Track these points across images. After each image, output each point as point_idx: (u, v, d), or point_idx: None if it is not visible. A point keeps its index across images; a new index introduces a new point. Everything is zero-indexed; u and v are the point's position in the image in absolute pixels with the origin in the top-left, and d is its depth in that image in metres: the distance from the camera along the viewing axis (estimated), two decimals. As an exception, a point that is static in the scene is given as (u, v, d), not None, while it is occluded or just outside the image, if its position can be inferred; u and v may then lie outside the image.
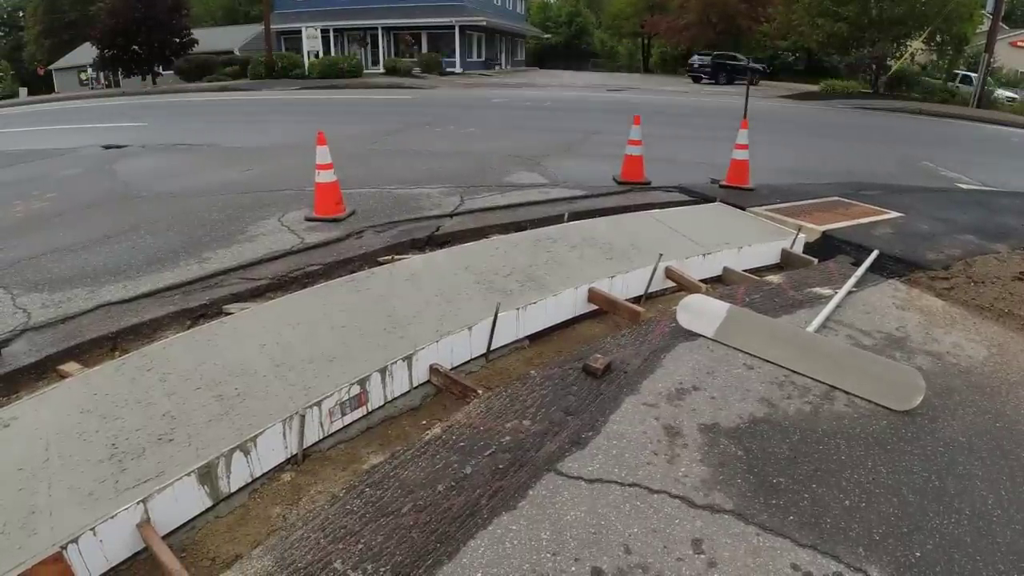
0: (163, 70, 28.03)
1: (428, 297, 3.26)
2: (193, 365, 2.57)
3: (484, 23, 31.92)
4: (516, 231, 4.49)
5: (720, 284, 4.08)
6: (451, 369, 2.89)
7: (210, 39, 31.33)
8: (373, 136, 9.39)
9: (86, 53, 31.02)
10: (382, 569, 1.63)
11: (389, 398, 2.69)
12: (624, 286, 3.75)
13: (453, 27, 30.79)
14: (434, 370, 2.82)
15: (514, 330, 3.25)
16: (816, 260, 4.29)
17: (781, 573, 1.64)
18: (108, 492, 1.91)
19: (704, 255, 4.11)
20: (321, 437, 2.44)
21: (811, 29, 23.01)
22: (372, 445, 2.52)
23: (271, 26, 26.99)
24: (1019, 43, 29.11)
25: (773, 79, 30.64)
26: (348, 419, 2.53)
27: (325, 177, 4.66)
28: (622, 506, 1.87)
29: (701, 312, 3.01)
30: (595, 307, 3.60)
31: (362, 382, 2.54)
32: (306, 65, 24.75)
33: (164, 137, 9.39)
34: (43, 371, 2.74)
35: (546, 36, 49.05)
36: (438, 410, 2.75)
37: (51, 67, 37.32)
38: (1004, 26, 25.19)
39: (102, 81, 33.65)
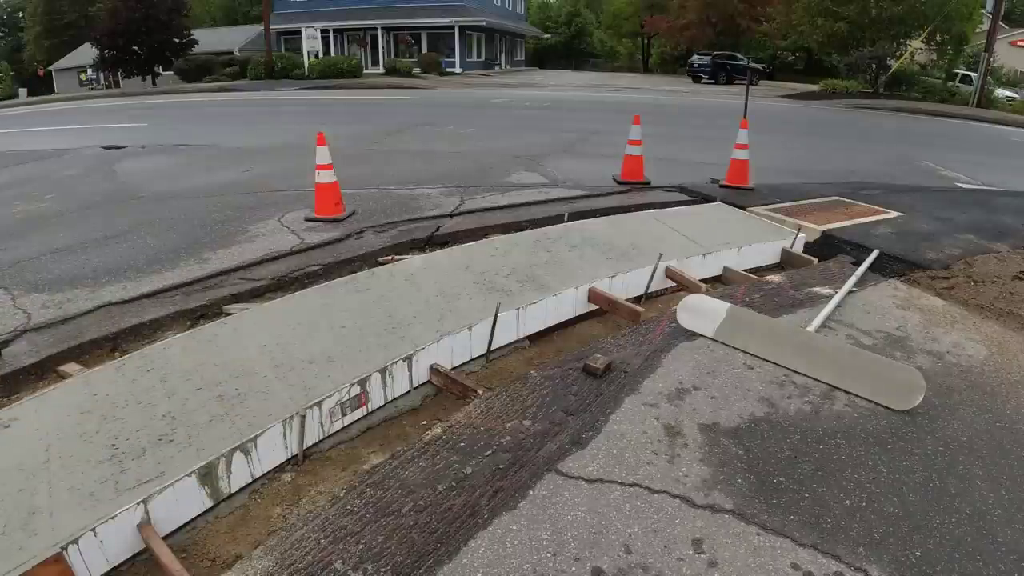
0: (163, 71, 28.06)
1: (428, 297, 3.26)
2: (193, 365, 2.57)
3: (484, 23, 31.91)
4: (516, 231, 4.48)
5: (720, 284, 4.08)
6: (451, 369, 2.89)
7: (210, 40, 31.36)
8: (373, 136, 9.39)
9: (86, 54, 31.05)
10: (382, 569, 1.63)
11: (389, 398, 2.69)
12: (624, 286, 3.74)
13: (453, 27, 30.79)
14: (434, 370, 2.82)
15: (514, 330, 3.25)
16: (816, 260, 4.29)
17: (781, 573, 1.64)
18: (108, 493, 1.91)
19: (704, 255, 4.11)
20: (321, 437, 2.44)
21: (811, 29, 22.98)
22: (372, 445, 2.52)
23: (271, 26, 27.02)
24: (1019, 42, 29.13)
25: (773, 79, 30.63)
26: (348, 419, 2.53)
27: (325, 177, 4.66)
28: (622, 506, 1.87)
29: (701, 312, 3.01)
30: (595, 307, 3.60)
31: (362, 382, 2.54)
32: (306, 65, 24.75)
33: (164, 138, 9.39)
34: (43, 372, 2.74)
35: (546, 36, 49.08)
36: (438, 410, 2.75)
37: (51, 68, 37.34)
38: (1004, 25, 25.20)
39: (102, 82, 33.67)
